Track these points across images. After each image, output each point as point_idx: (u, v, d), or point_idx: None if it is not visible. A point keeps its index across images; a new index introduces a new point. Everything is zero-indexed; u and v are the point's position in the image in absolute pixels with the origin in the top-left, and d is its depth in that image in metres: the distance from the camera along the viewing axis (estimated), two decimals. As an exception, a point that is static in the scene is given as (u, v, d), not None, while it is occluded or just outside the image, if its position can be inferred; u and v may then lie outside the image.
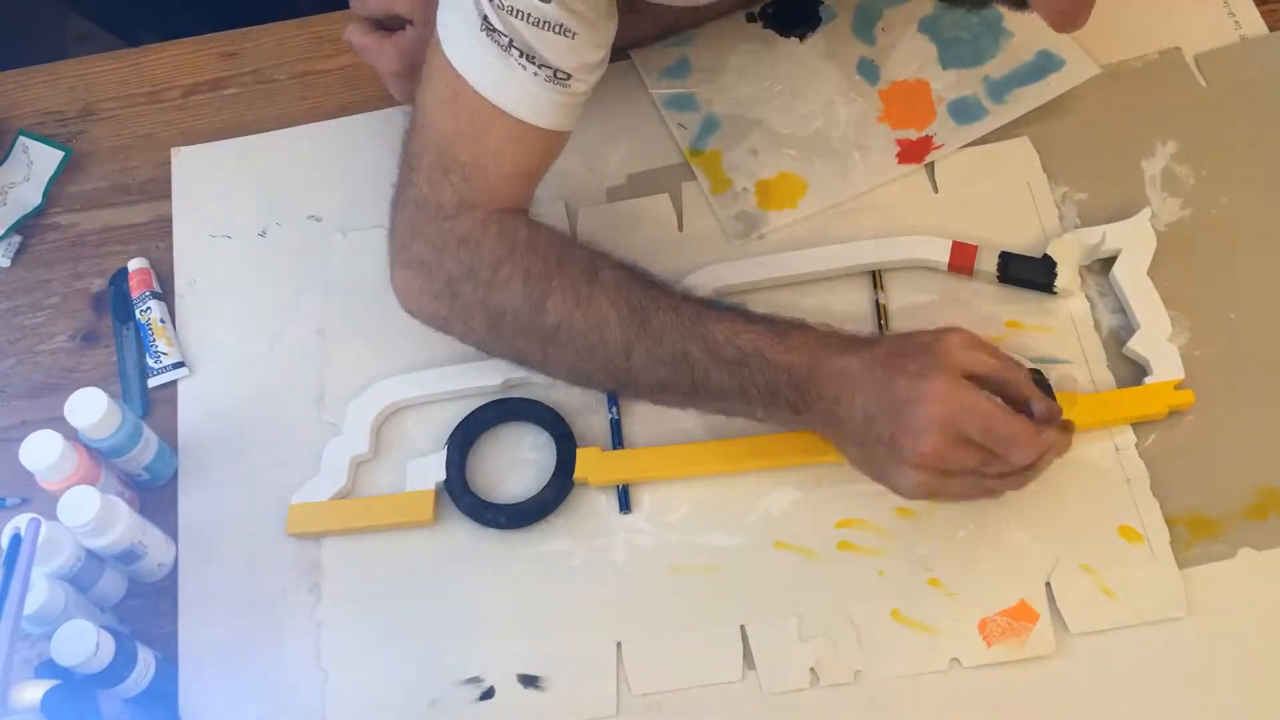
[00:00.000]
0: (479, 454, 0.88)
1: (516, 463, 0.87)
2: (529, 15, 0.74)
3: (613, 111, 0.98)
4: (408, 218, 0.82)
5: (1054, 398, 0.77)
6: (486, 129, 0.79)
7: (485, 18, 0.75)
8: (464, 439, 0.87)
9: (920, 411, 0.72)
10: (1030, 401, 0.75)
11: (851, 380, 0.75)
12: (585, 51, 0.77)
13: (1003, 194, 0.92)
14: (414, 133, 0.82)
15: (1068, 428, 0.77)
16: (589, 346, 0.80)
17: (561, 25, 0.75)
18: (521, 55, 0.75)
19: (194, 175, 1.00)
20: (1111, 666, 0.77)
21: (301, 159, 1.00)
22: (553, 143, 0.81)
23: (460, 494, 0.85)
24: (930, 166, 0.93)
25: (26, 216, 0.99)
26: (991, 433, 0.73)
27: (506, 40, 0.75)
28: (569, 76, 0.77)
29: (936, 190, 0.93)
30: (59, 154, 1.02)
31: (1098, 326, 0.87)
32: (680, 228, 0.93)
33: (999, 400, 0.74)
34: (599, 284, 0.80)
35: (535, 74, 0.76)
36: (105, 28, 1.43)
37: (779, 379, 0.77)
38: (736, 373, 0.77)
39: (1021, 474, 0.76)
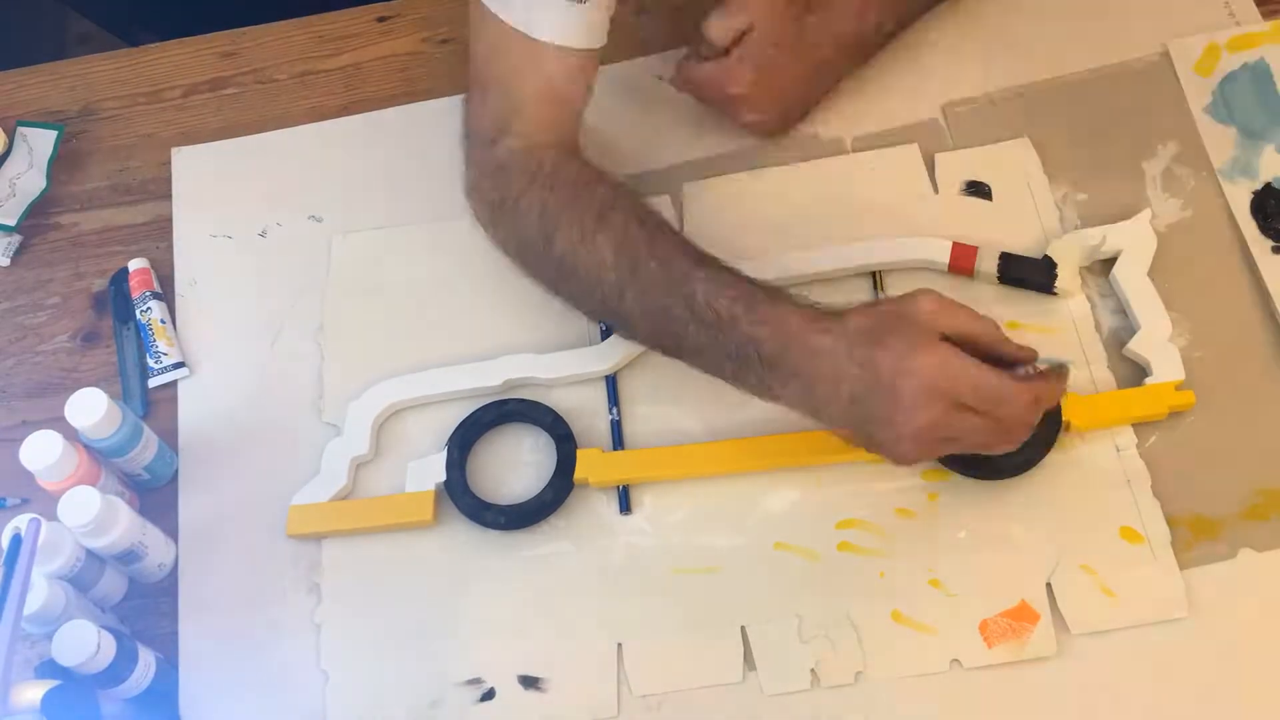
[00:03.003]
0: (479, 455, 0.88)
1: (516, 464, 0.87)
2: None
3: (613, 112, 0.98)
4: (466, 148, 0.86)
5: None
6: (504, 49, 0.81)
7: None
8: (464, 440, 0.87)
9: (913, 386, 0.71)
10: (1004, 353, 0.75)
11: (829, 362, 0.73)
12: None
13: (1003, 194, 0.92)
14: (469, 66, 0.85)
15: (1060, 372, 0.76)
16: (589, 285, 0.81)
17: None
18: None
19: (194, 175, 1.00)
20: (1112, 667, 0.77)
21: (301, 159, 1.00)
22: (572, 65, 0.82)
23: (460, 495, 0.85)
24: (931, 167, 0.93)
25: (35, 200, 1.00)
26: (984, 395, 0.72)
27: None
28: None
29: (936, 190, 0.93)
30: (53, 134, 1.02)
31: (1098, 327, 0.87)
32: (680, 228, 0.93)
33: (978, 362, 0.73)
34: (605, 224, 0.80)
35: None
36: (105, 28, 1.43)
37: (748, 350, 0.75)
38: (714, 337, 0.76)
39: (1024, 426, 0.75)
